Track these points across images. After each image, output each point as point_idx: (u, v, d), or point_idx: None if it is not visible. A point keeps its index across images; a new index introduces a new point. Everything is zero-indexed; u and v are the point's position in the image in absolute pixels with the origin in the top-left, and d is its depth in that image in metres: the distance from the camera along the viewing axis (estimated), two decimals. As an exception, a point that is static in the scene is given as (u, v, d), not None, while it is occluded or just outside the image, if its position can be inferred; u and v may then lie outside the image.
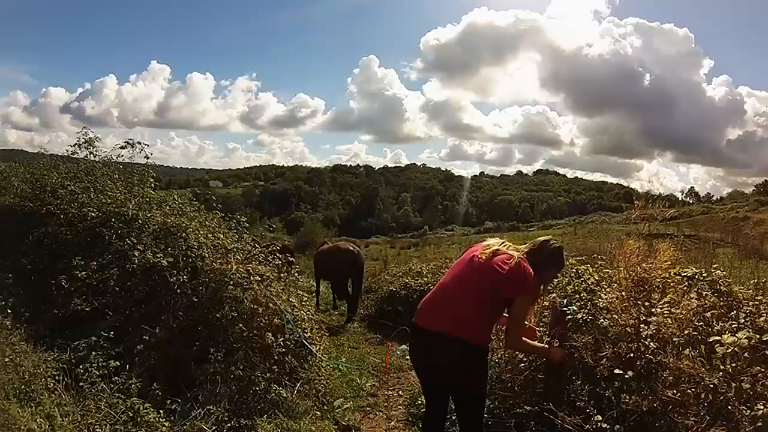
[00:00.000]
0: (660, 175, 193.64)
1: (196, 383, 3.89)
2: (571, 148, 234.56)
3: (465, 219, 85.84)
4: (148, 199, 5.73)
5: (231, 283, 4.42)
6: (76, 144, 6.49)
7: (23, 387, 3.26)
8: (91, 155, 6.47)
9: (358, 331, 8.07)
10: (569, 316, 3.55)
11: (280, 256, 5.41)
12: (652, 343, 3.16)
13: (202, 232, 5.10)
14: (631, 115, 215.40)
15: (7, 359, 3.46)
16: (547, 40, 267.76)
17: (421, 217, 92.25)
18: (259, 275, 4.70)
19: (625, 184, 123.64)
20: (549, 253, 3.08)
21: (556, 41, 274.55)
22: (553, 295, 4.06)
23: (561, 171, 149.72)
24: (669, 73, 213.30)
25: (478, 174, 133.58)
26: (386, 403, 4.95)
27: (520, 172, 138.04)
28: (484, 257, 2.95)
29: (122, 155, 6.47)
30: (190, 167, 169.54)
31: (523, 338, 3.11)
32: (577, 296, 3.84)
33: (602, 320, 3.45)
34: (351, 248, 9.07)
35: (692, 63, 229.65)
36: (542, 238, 3.18)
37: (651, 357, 3.12)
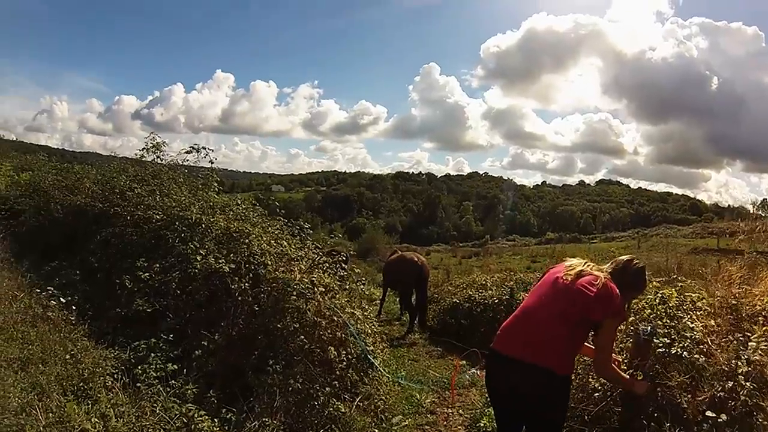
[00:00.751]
0: (729, 186, 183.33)
1: (252, 393, 3.83)
2: (635, 157, 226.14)
3: (527, 229, 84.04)
4: (211, 204, 5.81)
5: (294, 293, 4.36)
6: (144, 148, 6.68)
7: (81, 384, 3.31)
8: (158, 159, 6.64)
9: (419, 343, 7.85)
10: (660, 350, 3.27)
11: (345, 266, 5.30)
12: (748, 383, 2.86)
13: (265, 238, 5.07)
14: (697, 122, 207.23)
15: (68, 355, 3.53)
16: (608, 45, 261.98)
17: (482, 226, 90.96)
18: (323, 286, 4.61)
19: (692, 196, 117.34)
20: (632, 273, 2.86)
21: (617, 45, 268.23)
22: (632, 318, 3.72)
23: (624, 181, 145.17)
24: (738, 76, 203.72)
25: (540, 183, 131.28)
26: (445, 422, 4.74)
27: (582, 182, 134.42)
28: (569, 279, 2.76)
29: (187, 159, 6.61)
30: (253, 171, 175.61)
31: (613, 365, 2.90)
32: (660, 322, 3.52)
33: (699, 356, 3.14)
34: (416, 259, 8.92)
35: (763, 64, 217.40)
36: (625, 258, 2.95)
37: (747, 399, 2.82)
